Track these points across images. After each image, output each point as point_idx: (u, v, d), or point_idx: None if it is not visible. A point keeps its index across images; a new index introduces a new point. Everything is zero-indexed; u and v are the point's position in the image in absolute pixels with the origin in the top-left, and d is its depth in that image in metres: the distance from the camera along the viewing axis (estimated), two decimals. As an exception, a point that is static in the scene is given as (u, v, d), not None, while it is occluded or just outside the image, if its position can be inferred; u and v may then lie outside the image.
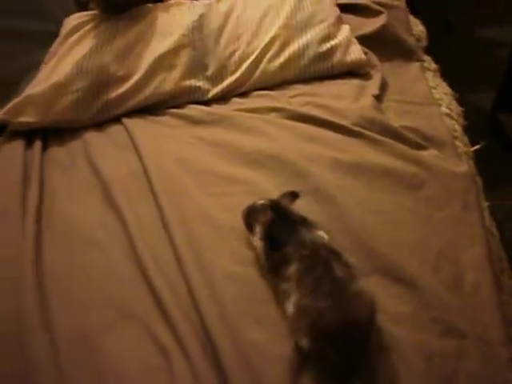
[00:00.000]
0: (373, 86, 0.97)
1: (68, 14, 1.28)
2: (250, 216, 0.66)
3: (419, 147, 0.83)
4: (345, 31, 1.06)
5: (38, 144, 0.98)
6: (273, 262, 0.61)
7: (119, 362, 0.58)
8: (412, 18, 1.24)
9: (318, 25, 1.04)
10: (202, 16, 1.06)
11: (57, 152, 0.97)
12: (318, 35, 1.02)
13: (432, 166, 0.78)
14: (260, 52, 1.01)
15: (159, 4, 1.13)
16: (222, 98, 1.01)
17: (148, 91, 1.00)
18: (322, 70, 1.01)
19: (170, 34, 1.04)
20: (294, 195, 0.67)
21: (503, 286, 0.65)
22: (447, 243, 0.67)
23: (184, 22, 1.06)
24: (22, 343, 0.60)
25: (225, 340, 0.57)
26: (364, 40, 1.08)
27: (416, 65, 1.09)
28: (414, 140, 0.84)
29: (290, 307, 0.56)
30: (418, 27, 1.25)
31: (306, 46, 1.01)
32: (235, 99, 1.01)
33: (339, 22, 1.08)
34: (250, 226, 0.66)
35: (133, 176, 0.85)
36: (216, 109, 0.98)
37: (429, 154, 0.82)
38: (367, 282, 0.60)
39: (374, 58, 1.06)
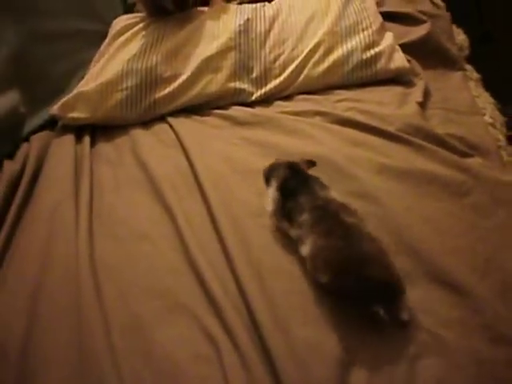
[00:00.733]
0: (416, 94, 0.97)
1: (116, 15, 1.33)
2: (270, 172, 0.72)
3: (464, 155, 0.83)
4: (389, 39, 1.07)
5: (86, 139, 1.02)
6: (286, 210, 0.66)
7: (171, 351, 0.59)
8: (454, 28, 1.24)
9: (362, 32, 1.06)
10: (248, 20, 1.09)
11: (105, 148, 1.01)
12: (362, 42, 1.04)
13: (478, 174, 0.78)
14: (304, 57, 1.03)
15: (207, 8, 1.16)
16: (266, 100, 1.03)
17: (194, 92, 1.03)
18: (366, 76, 1.02)
19: (216, 37, 1.07)
20: (311, 163, 0.73)
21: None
22: (494, 251, 0.67)
23: (231, 25, 1.08)
24: (80, 333, 0.62)
25: (274, 334, 0.58)
26: (407, 48, 1.09)
27: (459, 74, 1.09)
28: (459, 148, 0.84)
29: (305, 249, 0.61)
30: (460, 36, 1.25)
31: (350, 53, 1.03)
32: (279, 102, 1.03)
33: (383, 29, 1.09)
34: (267, 179, 0.72)
35: (179, 173, 0.87)
36: (260, 110, 1.01)
37: (474, 162, 0.82)
38: (416, 285, 0.62)
39: (417, 66, 1.07)
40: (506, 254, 0.67)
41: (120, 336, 0.62)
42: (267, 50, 1.06)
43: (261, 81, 1.04)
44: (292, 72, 1.03)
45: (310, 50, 1.03)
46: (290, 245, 0.68)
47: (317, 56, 1.03)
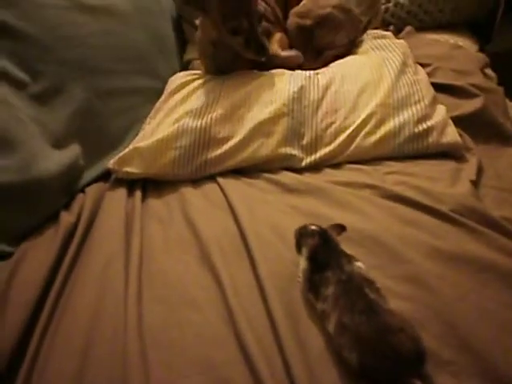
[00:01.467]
0: (469, 171, 0.96)
1: (173, 72, 1.40)
2: (301, 237, 0.75)
3: (521, 241, 0.81)
4: (441, 112, 1.07)
5: (138, 194, 1.05)
6: (313, 283, 0.69)
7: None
8: (508, 102, 1.23)
9: (415, 105, 1.06)
10: (302, 87, 1.12)
11: (155, 204, 1.03)
12: (414, 115, 1.04)
13: (537, 264, 0.75)
14: (356, 127, 1.05)
15: (263, 72, 1.20)
16: (315, 167, 1.05)
17: (245, 154, 1.06)
18: (417, 149, 1.02)
19: (270, 102, 1.10)
20: (341, 228, 0.76)
21: None
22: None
23: (285, 91, 1.12)
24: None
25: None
26: (459, 121, 1.09)
27: (512, 150, 1.08)
28: (516, 233, 0.82)
29: (331, 326, 0.63)
30: (514, 110, 1.24)
31: (402, 126, 1.03)
32: (327, 170, 1.04)
33: (435, 102, 1.10)
34: (299, 244, 0.75)
35: (228, 236, 0.88)
36: (309, 177, 1.01)
37: (531, 250, 0.79)
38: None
39: (469, 141, 1.06)
40: None
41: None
42: (319, 117, 1.08)
43: (311, 148, 1.06)
44: (343, 141, 1.04)
45: (362, 121, 1.05)
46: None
47: (368, 127, 1.04)
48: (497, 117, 1.12)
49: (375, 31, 1.45)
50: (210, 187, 1.04)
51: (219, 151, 1.07)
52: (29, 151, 0.92)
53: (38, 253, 0.87)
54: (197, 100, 1.17)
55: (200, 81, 1.27)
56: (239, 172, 1.07)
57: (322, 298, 0.67)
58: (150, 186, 1.09)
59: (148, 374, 0.66)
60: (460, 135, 1.05)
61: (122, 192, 1.05)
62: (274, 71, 1.20)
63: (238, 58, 1.20)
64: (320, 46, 1.32)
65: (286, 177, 1.02)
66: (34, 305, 0.77)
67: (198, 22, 1.26)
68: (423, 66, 1.28)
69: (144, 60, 1.33)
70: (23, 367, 0.70)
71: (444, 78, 1.23)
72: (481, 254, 0.76)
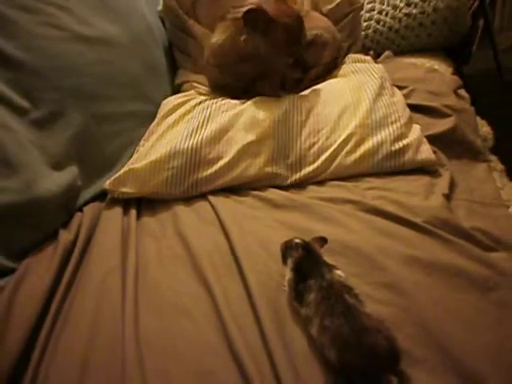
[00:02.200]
0: (442, 185, 1.03)
1: (164, 96, 1.47)
2: (286, 250, 0.81)
3: (489, 249, 0.87)
4: (416, 131, 1.15)
5: (133, 212, 1.11)
6: (297, 291, 0.75)
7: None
8: (479, 119, 1.32)
9: (392, 125, 1.14)
10: (286, 111, 1.20)
11: (149, 221, 1.09)
12: (391, 135, 1.12)
13: (503, 270, 0.81)
14: (337, 147, 1.12)
15: (251, 100, 1.28)
16: (300, 185, 1.12)
17: (234, 174, 1.12)
18: (394, 166, 1.10)
19: (257, 125, 1.18)
20: (323, 240, 0.83)
21: None
22: (521, 349, 0.70)
23: (270, 114, 1.19)
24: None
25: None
26: (433, 139, 1.17)
27: (483, 165, 1.15)
28: (484, 242, 0.88)
29: (314, 329, 0.69)
30: (485, 128, 1.33)
31: (380, 144, 1.11)
32: (312, 187, 1.10)
33: (411, 122, 1.18)
34: (284, 257, 0.81)
35: (219, 251, 0.93)
36: (294, 194, 1.08)
37: (499, 257, 0.85)
38: (439, 379, 0.65)
39: (443, 157, 1.14)
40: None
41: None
42: (303, 138, 1.15)
43: (296, 166, 1.13)
44: (325, 160, 1.11)
45: (342, 141, 1.12)
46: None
47: (349, 146, 1.12)
48: (468, 135, 1.20)
49: (355, 55, 1.55)
50: (201, 205, 1.10)
51: (209, 171, 1.13)
52: (30, 173, 0.98)
53: (40, 268, 0.91)
54: (187, 123, 1.24)
55: (190, 104, 1.34)
56: (229, 190, 1.13)
57: (305, 304, 0.73)
58: (144, 204, 1.15)
59: (145, 381, 0.70)
60: (434, 152, 1.12)
61: (117, 211, 1.11)
62: (258, 98, 1.28)
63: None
64: (306, 63, 1.40)
65: (273, 194, 1.08)
66: (36, 316, 0.81)
67: (214, 38, 1.38)
68: (400, 88, 1.37)
69: (137, 86, 1.40)
70: (27, 376, 0.74)
71: (419, 100, 1.32)
72: (452, 261, 0.83)
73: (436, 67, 1.62)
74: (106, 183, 1.13)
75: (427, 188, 1.03)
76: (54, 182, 1.03)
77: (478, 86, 2.09)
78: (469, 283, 0.79)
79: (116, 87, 1.28)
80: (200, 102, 1.35)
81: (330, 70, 1.45)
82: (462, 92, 1.48)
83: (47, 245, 0.99)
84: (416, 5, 1.70)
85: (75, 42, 1.21)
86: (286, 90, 1.34)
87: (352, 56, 1.58)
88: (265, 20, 1.19)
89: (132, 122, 1.31)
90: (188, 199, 1.13)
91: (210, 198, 1.11)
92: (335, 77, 1.44)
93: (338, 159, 1.11)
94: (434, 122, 1.24)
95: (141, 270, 0.92)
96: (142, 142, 1.28)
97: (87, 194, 1.14)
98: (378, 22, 1.76)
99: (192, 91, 1.51)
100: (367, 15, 1.78)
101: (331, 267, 0.77)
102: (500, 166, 1.20)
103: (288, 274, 0.79)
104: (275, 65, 1.30)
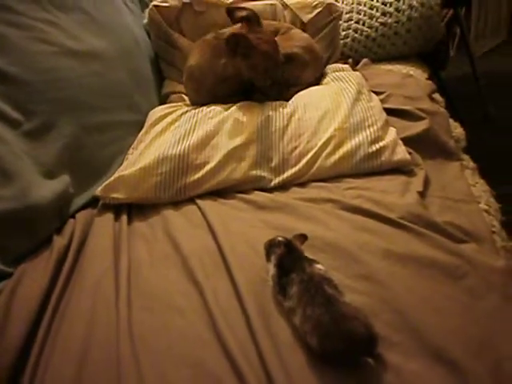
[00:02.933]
0: (417, 183, 1.10)
1: (151, 106, 1.52)
2: (270, 248, 0.86)
3: (460, 241, 0.93)
4: (392, 134, 1.22)
5: (124, 217, 1.15)
6: (281, 285, 0.80)
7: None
8: (452, 122, 1.40)
9: (369, 128, 1.21)
10: (268, 116, 1.26)
11: (140, 225, 1.13)
12: (368, 137, 1.19)
13: (472, 260, 0.87)
14: (318, 150, 1.18)
15: (233, 104, 1.34)
16: (283, 186, 1.17)
17: (220, 178, 1.17)
18: (372, 167, 1.16)
19: (241, 131, 1.23)
20: (303, 237, 0.88)
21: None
22: (488, 331, 0.75)
23: (253, 120, 1.25)
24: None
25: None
26: (408, 141, 1.23)
27: (456, 164, 1.22)
28: (456, 234, 0.94)
29: (297, 319, 0.73)
30: (458, 130, 1.40)
31: (358, 147, 1.17)
32: (294, 188, 1.16)
33: (387, 125, 1.25)
34: (268, 254, 0.86)
35: (207, 251, 0.98)
36: (278, 196, 1.13)
37: (469, 248, 0.91)
38: (413, 360, 0.70)
39: (418, 158, 1.20)
40: (499, 335, 0.75)
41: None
42: (285, 142, 1.21)
43: (279, 169, 1.19)
44: (307, 162, 1.17)
45: (322, 144, 1.18)
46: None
47: (328, 149, 1.18)
48: (441, 136, 1.27)
49: (334, 65, 1.63)
50: (189, 208, 1.15)
51: (197, 176, 1.18)
52: (24, 181, 1.02)
53: (36, 272, 0.95)
54: (175, 131, 1.30)
55: (177, 114, 1.40)
56: (216, 194, 1.18)
57: (288, 297, 0.78)
58: (134, 210, 1.19)
59: (141, 374, 0.74)
60: (409, 153, 1.19)
61: (109, 216, 1.15)
62: (242, 103, 1.34)
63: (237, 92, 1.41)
64: (288, 81, 1.47)
65: (258, 196, 1.14)
66: (33, 318, 0.85)
67: (191, 62, 1.45)
68: (378, 93, 1.44)
69: (126, 96, 1.45)
70: (25, 375, 0.78)
71: (395, 104, 1.39)
72: (426, 253, 0.89)
73: (412, 73, 1.70)
74: (97, 190, 1.17)
75: (403, 186, 1.10)
76: (47, 189, 1.07)
77: (455, 89, 2.19)
78: (441, 273, 0.85)
79: (105, 98, 1.33)
80: (186, 111, 1.40)
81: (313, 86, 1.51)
82: (437, 96, 1.56)
83: (42, 250, 1.03)
84: (391, 14, 1.79)
85: (65, 57, 1.26)
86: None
87: (331, 66, 1.65)
88: (245, 45, 1.29)
89: (121, 131, 1.36)
90: (177, 203, 1.18)
91: (198, 201, 1.16)
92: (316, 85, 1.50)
93: (319, 161, 1.17)
94: (409, 124, 1.31)
95: (133, 271, 0.96)
96: (131, 151, 1.33)
97: (79, 201, 1.18)
98: (355, 31, 1.84)
99: (180, 103, 1.56)
100: (345, 25, 1.85)
101: (311, 261, 0.82)
102: (472, 165, 1.28)
103: (271, 269, 0.84)
104: (255, 84, 1.38)
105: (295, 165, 1.18)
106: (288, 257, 0.83)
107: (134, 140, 1.36)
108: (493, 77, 2.69)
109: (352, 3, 1.86)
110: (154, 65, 1.75)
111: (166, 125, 1.35)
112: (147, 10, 1.77)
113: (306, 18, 1.78)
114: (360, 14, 1.83)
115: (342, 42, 1.85)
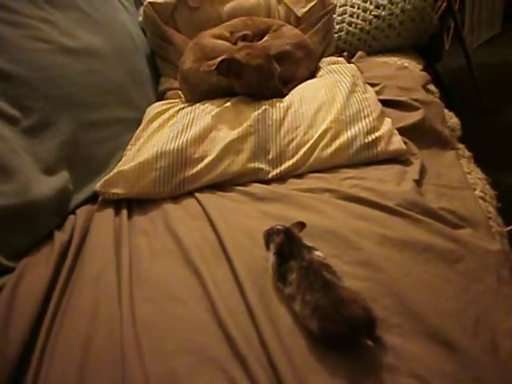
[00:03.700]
0: (413, 172, 1.11)
1: (149, 103, 1.54)
2: (269, 236, 0.87)
3: (456, 227, 0.94)
4: (387, 124, 1.23)
5: (124, 212, 1.16)
6: (281, 273, 0.81)
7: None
8: (447, 112, 1.41)
9: (364, 119, 1.22)
10: (265, 110, 1.27)
11: (140, 219, 1.14)
12: (364, 128, 1.20)
13: (468, 244, 0.88)
14: (314, 141, 1.19)
15: (230, 98, 1.35)
16: (281, 178, 1.18)
17: (219, 171, 1.19)
18: (368, 157, 1.17)
19: (238, 124, 1.25)
20: (302, 225, 0.89)
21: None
22: (484, 312, 0.77)
23: (250, 114, 1.26)
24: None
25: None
26: (404, 131, 1.25)
27: (451, 153, 1.24)
28: (452, 220, 0.96)
29: (297, 304, 0.75)
30: (453, 119, 1.41)
31: (354, 138, 1.19)
32: (292, 180, 1.17)
33: (382, 116, 1.26)
34: (267, 242, 0.87)
35: (207, 242, 0.99)
36: (276, 187, 1.15)
37: (465, 233, 0.93)
38: (412, 341, 0.72)
39: (413, 147, 1.21)
40: (494, 315, 0.77)
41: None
42: (282, 134, 1.22)
43: (276, 161, 1.20)
44: (304, 154, 1.18)
45: (319, 136, 1.20)
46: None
47: (325, 141, 1.19)
48: (436, 125, 1.28)
49: (329, 58, 1.64)
50: (188, 202, 1.16)
51: (195, 169, 1.19)
52: (24, 178, 1.03)
53: (38, 267, 0.96)
54: (172, 126, 1.31)
55: (174, 110, 1.41)
56: (214, 187, 1.20)
57: (288, 284, 0.79)
58: (134, 204, 1.20)
59: (144, 360, 0.76)
60: (405, 143, 1.20)
61: (109, 211, 1.16)
62: (238, 98, 1.35)
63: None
64: (282, 78, 1.48)
65: (256, 188, 1.15)
66: (37, 310, 0.86)
67: (186, 65, 1.47)
68: (373, 85, 1.45)
69: (123, 93, 1.46)
70: (31, 366, 0.79)
71: (390, 95, 1.40)
72: (422, 238, 0.90)
73: (406, 65, 1.71)
74: (97, 185, 1.19)
75: (399, 175, 1.11)
76: (46, 186, 1.08)
77: (451, 81, 2.20)
78: (437, 257, 0.87)
79: (102, 95, 1.34)
80: (183, 107, 1.41)
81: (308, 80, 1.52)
82: (431, 87, 1.57)
83: (44, 245, 1.04)
84: (384, 7, 1.80)
85: (61, 54, 1.27)
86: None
87: (326, 59, 1.66)
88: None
89: (119, 127, 1.37)
90: (176, 197, 1.19)
91: (197, 194, 1.17)
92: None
93: (316, 153, 1.18)
94: (404, 115, 1.32)
95: (134, 263, 0.97)
96: (129, 147, 1.34)
97: (79, 197, 1.19)
98: (349, 24, 1.85)
99: (177, 100, 1.57)
100: (339, 18, 1.86)
101: (310, 249, 0.83)
102: (467, 153, 1.29)
103: (271, 257, 0.85)
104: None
105: (292, 157, 1.20)
106: (287, 244, 0.84)
107: (131, 136, 1.37)
108: (488, 68, 2.71)
109: (345, -4, 1.87)
110: (150, 62, 1.76)
111: (164, 121, 1.36)
112: (142, 7, 1.78)
113: (300, 12, 1.79)
114: (354, 7, 1.84)
115: (336, 35, 1.86)
